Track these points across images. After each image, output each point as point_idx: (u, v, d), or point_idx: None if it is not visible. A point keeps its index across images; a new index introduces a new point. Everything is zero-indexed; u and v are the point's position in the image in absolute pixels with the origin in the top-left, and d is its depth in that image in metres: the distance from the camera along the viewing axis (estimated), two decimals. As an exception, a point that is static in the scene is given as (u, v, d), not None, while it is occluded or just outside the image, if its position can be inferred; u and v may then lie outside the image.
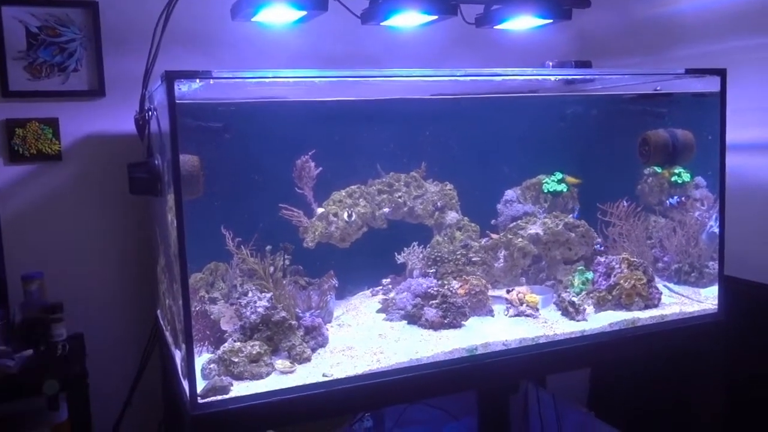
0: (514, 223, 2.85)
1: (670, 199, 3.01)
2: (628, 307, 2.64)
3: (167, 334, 2.68)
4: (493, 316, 2.62)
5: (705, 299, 2.78)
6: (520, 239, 2.77)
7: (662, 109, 2.94)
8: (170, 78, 1.96)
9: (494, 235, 2.88)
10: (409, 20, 2.90)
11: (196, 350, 2.20)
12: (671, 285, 2.88)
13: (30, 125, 3.00)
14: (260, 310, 2.31)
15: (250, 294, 2.35)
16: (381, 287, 2.93)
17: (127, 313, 3.23)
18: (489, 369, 2.36)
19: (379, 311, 2.73)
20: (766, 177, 2.89)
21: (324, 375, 2.21)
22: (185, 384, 2.06)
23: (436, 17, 2.79)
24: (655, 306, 2.68)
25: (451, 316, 2.48)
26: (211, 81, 2.06)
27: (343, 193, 2.84)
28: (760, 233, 2.90)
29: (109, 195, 3.20)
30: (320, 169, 2.72)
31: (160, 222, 2.53)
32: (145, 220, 3.13)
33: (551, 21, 2.98)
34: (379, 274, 2.95)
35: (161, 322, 2.90)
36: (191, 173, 2.39)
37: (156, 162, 2.40)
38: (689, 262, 2.85)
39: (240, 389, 2.14)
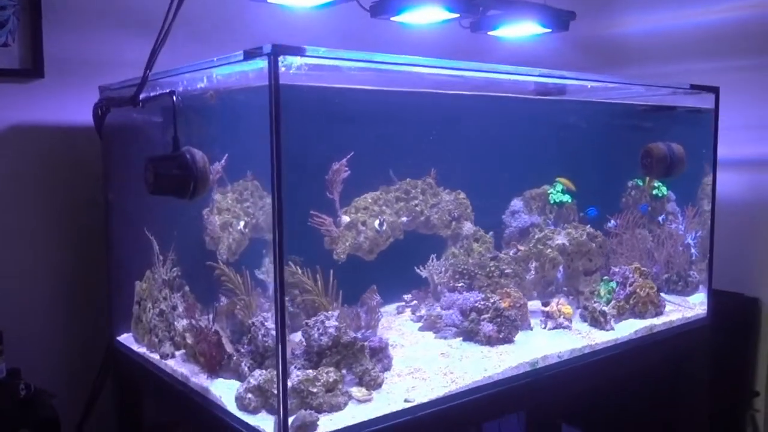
0: (542, 234, 2.85)
1: (641, 207, 3.22)
2: (642, 315, 2.76)
3: (169, 362, 2.28)
4: (531, 329, 2.58)
5: (694, 306, 2.99)
6: (549, 250, 2.77)
7: (649, 124, 3.14)
8: (276, 53, 1.66)
9: (521, 247, 2.85)
10: (420, 17, 2.81)
11: (206, 377, 2.05)
12: (662, 294, 3.07)
13: (-58, 109, 2.40)
14: (331, 330, 2.04)
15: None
16: (405, 303, 2.75)
17: (68, 341, 2.71)
18: (551, 382, 2.33)
19: (422, 329, 2.55)
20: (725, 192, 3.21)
21: (406, 401, 2.01)
22: (250, 419, 1.84)
23: (458, 15, 2.75)
24: (662, 313, 2.82)
25: (506, 330, 2.40)
26: (318, 61, 1.79)
27: (369, 200, 2.62)
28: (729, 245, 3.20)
29: (44, 199, 2.68)
30: (348, 172, 2.49)
31: (174, 226, 2.17)
32: (91, 229, 2.74)
33: (550, 30, 3.06)
34: (394, 288, 2.77)
35: (140, 348, 2.46)
36: (205, 169, 2.07)
37: (188, 157, 2.03)
38: (676, 272, 3.06)
39: (325, 424, 1.87)
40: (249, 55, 1.72)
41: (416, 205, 2.75)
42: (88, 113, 2.59)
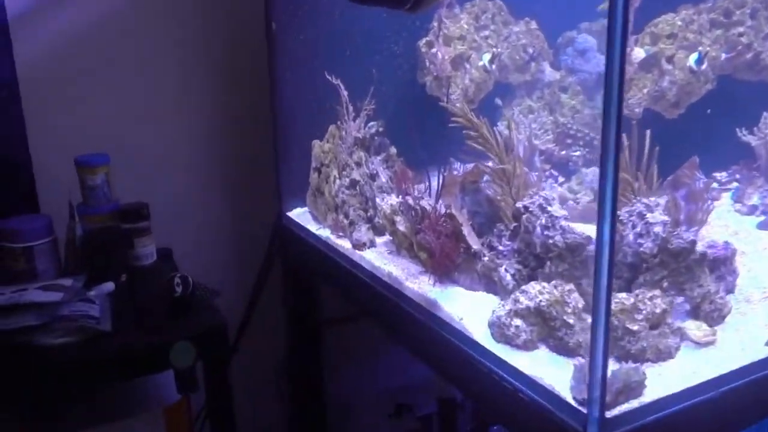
0: None
1: None
2: None
3: (367, 253, 1.60)
4: None
5: None
6: None
7: None
8: None
9: None
10: None
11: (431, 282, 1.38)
12: None
13: None
14: (658, 229, 1.23)
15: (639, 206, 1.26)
16: (720, 186, 1.87)
17: (226, 217, 2.13)
18: None
19: (762, 226, 1.68)
20: None
21: (768, 345, 1.20)
22: (519, 360, 1.08)
23: None
24: None
25: None
26: None
27: (678, 22, 1.70)
28: None
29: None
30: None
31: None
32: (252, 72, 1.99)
33: None
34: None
35: (320, 228, 1.82)
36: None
37: None
38: None
39: (653, 380, 1.11)
40: None
41: (741, 35, 1.78)
42: None
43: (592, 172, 1.78)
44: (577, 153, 1.82)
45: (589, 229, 1.31)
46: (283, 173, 2.06)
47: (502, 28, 1.92)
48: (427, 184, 1.62)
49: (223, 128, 2.15)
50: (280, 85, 1.97)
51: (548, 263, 1.29)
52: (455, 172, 1.57)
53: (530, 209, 1.28)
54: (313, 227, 1.93)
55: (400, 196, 1.53)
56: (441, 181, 1.60)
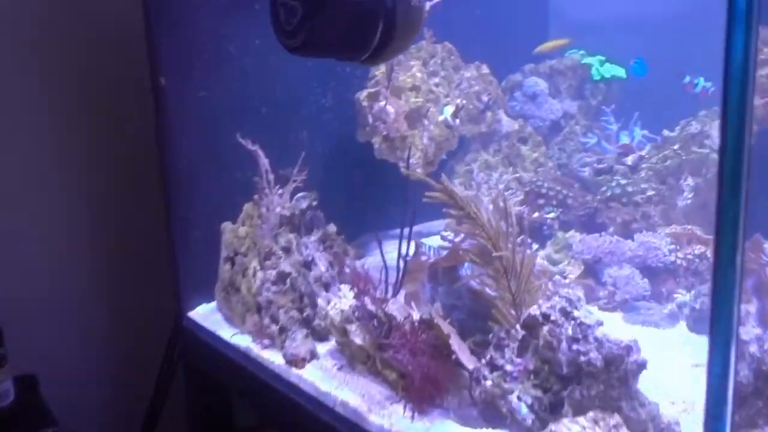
0: (692, 127, 1.58)
1: None
2: None
3: (305, 372, 1.18)
4: None
5: None
6: (712, 153, 1.51)
7: None
8: None
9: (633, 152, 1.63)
10: None
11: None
12: None
13: None
14: (753, 350, 0.90)
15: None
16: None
17: (117, 321, 1.64)
18: None
19: None
20: None
21: None
22: None
23: None
24: None
25: None
26: None
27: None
28: None
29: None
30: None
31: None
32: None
33: None
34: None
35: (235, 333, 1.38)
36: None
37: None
38: None
39: None
40: None
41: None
42: None
43: (572, 237, 1.46)
44: (552, 215, 1.50)
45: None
46: (182, 264, 1.61)
47: (453, 74, 1.61)
48: (382, 274, 1.24)
49: (101, 205, 1.68)
50: (172, 153, 1.54)
51: (577, 386, 0.93)
52: (423, 257, 1.20)
53: (551, 317, 0.92)
54: (226, 332, 1.49)
55: (355, 299, 1.13)
56: (402, 267, 1.22)
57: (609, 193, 1.50)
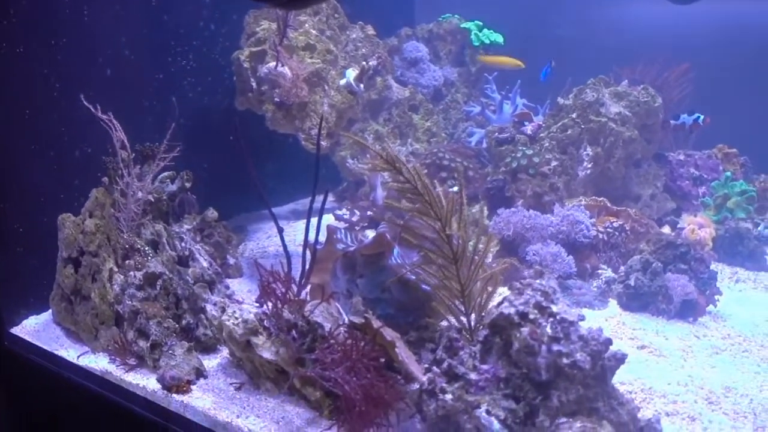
0: (589, 96, 1.58)
1: None
2: None
3: (193, 398, 0.95)
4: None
5: None
6: (610, 122, 1.50)
7: None
8: None
9: (534, 119, 1.61)
10: None
11: None
12: None
13: None
14: None
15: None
16: (344, 221, 1.46)
17: None
18: None
19: None
20: None
21: None
22: None
23: None
24: None
25: (706, 286, 1.25)
26: None
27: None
28: None
29: None
30: None
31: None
32: None
33: None
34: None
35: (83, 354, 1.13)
36: None
37: None
38: None
39: None
40: None
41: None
42: None
43: (479, 212, 1.33)
44: (456, 188, 1.36)
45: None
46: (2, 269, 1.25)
47: (339, 33, 1.39)
48: (283, 261, 1.01)
49: None
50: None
51: (554, 392, 0.79)
52: (339, 245, 0.99)
53: (529, 316, 0.77)
54: (70, 352, 1.18)
55: (265, 306, 0.90)
56: (310, 255, 1.00)
57: (515, 165, 1.39)
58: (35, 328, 1.29)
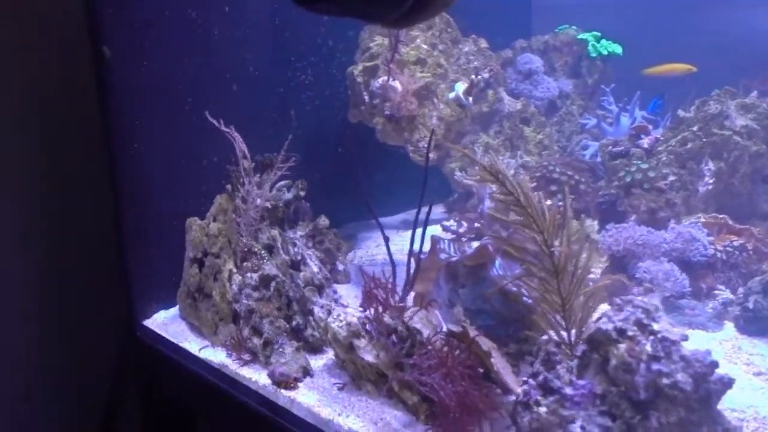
0: (713, 108, 1.47)
1: None
2: None
3: (299, 394, 0.99)
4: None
5: None
6: (735, 135, 1.41)
7: None
8: None
9: (651, 132, 1.51)
10: None
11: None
12: None
13: None
14: None
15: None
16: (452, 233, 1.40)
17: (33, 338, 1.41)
18: None
19: None
20: None
21: None
22: None
23: None
24: None
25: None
26: None
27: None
28: None
29: None
30: None
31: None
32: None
33: None
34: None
35: (205, 346, 1.18)
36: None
37: None
38: None
39: None
40: None
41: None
42: None
43: (590, 227, 1.31)
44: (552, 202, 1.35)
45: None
46: (135, 263, 1.38)
47: (451, 48, 1.43)
48: (388, 269, 1.05)
49: (41, 202, 1.42)
50: (122, 136, 1.31)
51: (654, 412, 0.77)
52: (442, 255, 1.02)
53: (627, 332, 0.76)
54: (192, 345, 1.27)
55: (368, 310, 0.94)
56: (414, 264, 1.04)
57: (629, 179, 1.36)
58: (164, 321, 1.42)
